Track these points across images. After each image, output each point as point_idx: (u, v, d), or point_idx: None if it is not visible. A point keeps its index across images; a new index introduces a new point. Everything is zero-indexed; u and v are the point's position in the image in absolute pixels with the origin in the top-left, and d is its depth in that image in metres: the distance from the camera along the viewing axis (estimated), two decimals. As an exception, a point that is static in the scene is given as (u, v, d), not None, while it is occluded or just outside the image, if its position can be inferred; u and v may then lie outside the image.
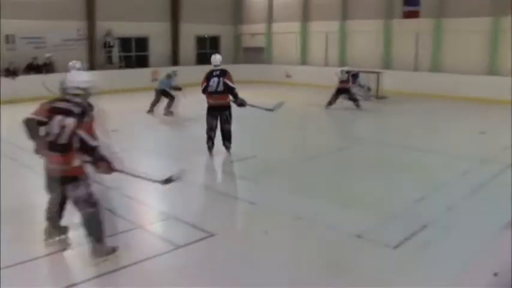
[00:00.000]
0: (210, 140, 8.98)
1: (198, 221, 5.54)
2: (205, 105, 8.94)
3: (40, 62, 17.84)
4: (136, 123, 12.97)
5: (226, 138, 9.02)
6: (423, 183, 7.12)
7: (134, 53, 21.73)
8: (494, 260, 0.84)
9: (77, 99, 4.55)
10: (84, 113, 4.45)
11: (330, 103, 14.90)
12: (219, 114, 8.83)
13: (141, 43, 21.92)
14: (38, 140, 4.51)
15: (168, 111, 13.73)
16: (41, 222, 4.90)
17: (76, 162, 4.45)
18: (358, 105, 14.87)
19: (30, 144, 4.56)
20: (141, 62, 21.75)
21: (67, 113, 4.44)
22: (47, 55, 17.94)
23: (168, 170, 7.98)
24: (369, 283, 4.26)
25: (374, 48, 20.14)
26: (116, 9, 20.06)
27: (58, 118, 4.43)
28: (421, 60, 18.87)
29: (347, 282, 4.26)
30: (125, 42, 21.00)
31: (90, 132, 4.42)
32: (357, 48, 20.82)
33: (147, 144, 10.08)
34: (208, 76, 8.76)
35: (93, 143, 4.42)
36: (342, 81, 14.91)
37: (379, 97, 17.07)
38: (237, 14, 25.21)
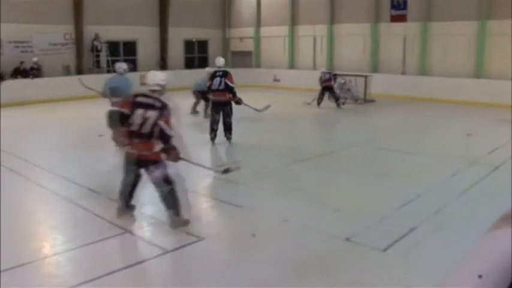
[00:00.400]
0: (213, 131, 10.12)
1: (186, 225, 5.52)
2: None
3: (27, 66, 17.70)
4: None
5: (228, 130, 10.15)
6: (411, 186, 7.14)
7: (122, 57, 21.59)
8: (479, 262, 0.84)
9: (156, 95, 5.37)
10: (164, 107, 5.26)
11: (319, 103, 15.93)
12: (221, 109, 10.00)
13: (129, 47, 21.83)
14: (117, 129, 5.53)
15: (208, 114, 13.27)
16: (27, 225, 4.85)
17: (157, 148, 5.28)
18: (338, 105, 15.92)
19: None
20: (129, 66, 21.64)
21: (149, 106, 5.25)
22: (34, 59, 17.81)
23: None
24: (358, 286, 4.27)
25: (362, 51, 20.25)
26: (104, 14, 19.96)
27: (140, 111, 5.24)
28: (408, 63, 18.99)
29: (336, 285, 4.26)
30: (113, 47, 20.88)
31: (169, 123, 5.21)
32: (345, 52, 20.91)
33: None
34: (213, 76, 10.07)
35: (170, 132, 5.21)
36: (324, 81, 15.90)
37: (367, 100, 17.16)
38: (226, 18, 25.21)
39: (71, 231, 5.59)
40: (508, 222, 0.93)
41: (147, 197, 6.95)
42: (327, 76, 15.94)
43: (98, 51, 20.04)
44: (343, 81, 17.12)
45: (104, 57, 20.24)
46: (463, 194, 6.78)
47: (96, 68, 20.00)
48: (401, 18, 18.91)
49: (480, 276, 0.83)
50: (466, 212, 6.08)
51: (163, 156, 5.33)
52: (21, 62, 17.58)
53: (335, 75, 16.40)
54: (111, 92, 9.53)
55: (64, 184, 7.35)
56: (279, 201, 6.57)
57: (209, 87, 10.09)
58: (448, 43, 17.86)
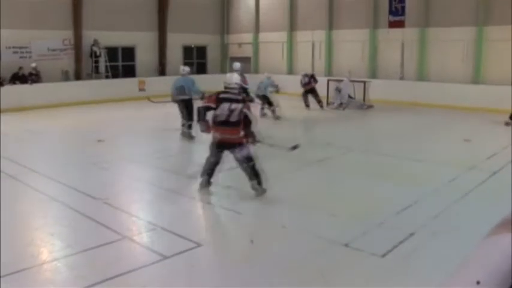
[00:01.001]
0: None
1: (185, 231, 5.51)
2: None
3: (26, 72, 17.70)
4: (123, 132, 12.92)
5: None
6: (410, 191, 7.14)
7: (121, 63, 21.63)
8: (477, 268, 0.84)
9: (235, 91, 6.86)
10: (244, 100, 6.81)
11: (307, 105, 16.69)
12: None
13: (128, 53, 21.84)
14: (205, 121, 6.82)
15: (276, 116, 14.49)
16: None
17: (241, 133, 6.62)
18: (321, 107, 16.67)
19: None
20: (128, 71, 21.65)
21: (233, 100, 6.66)
22: (33, 65, 17.80)
23: (154, 179, 7.98)
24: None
25: (360, 57, 20.30)
26: (103, 19, 19.98)
27: (226, 105, 6.59)
28: (406, 69, 19.03)
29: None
30: (111, 52, 20.87)
31: (250, 111, 6.75)
32: (344, 58, 20.94)
33: (134, 154, 10.02)
34: None
35: (252, 118, 6.68)
36: (305, 84, 16.75)
37: (366, 106, 17.19)
38: (224, 23, 25.25)
39: (70, 237, 5.58)
40: (507, 228, 0.93)
41: (146, 202, 6.96)
42: (306, 80, 16.69)
43: (97, 56, 20.03)
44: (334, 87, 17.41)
45: (102, 62, 20.25)
46: (462, 199, 6.78)
47: (95, 73, 20.00)
48: (400, 24, 18.95)
49: (478, 283, 0.83)
50: (465, 217, 6.08)
51: (245, 139, 6.68)
52: (20, 68, 17.58)
53: (312, 76, 17.02)
54: (178, 91, 11.24)
55: (63, 190, 7.34)
56: (277, 207, 6.56)
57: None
58: (446, 49, 17.92)
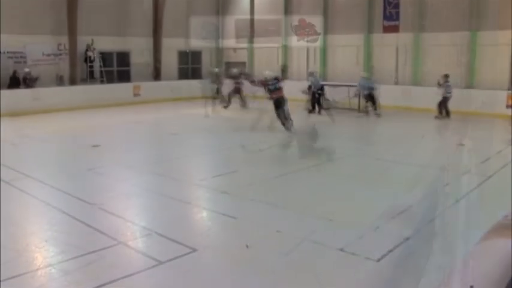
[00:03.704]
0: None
1: (180, 236, 5.51)
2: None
3: (20, 76, 17.65)
4: (119, 137, 12.90)
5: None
6: (405, 195, 7.16)
7: (116, 68, 21.59)
8: (470, 272, 0.85)
9: (272, 79, 13.21)
10: (279, 80, 13.28)
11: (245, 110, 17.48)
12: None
13: (123, 58, 21.81)
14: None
15: (376, 113, 15.97)
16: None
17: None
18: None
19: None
20: (123, 76, 21.61)
21: (272, 83, 13.01)
22: (27, 70, 17.74)
23: (150, 184, 7.98)
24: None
25: (355, 61, 20.36)
26: (98, 24, 19.96)
27: (269, 84, 13.06)
28: (401, 73, 19.10)
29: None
30: (106, 57, 20.83)
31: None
32: (338, 62, 21.01)
33: (129, 159, 10.00)
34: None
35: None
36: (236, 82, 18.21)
37: (361, 111, 17.22)
38: (219, 28, 25.26)
39: (64, 242, 5.55)
40: (499, 233, 0.93)
41: (142, 207, 6.95)
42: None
43: (91, 61, 19.98)
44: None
45: (97, 67, 20.20)
46: (456, 204, 6.79)
47: (90, 78, 19.95)
48: (394, 29, 19.05)
49: (472, 287, 0.84)
50: (460, 222, 6.10)
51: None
52: (14, 71, 17.53)
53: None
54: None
55: (57, 195, 7.32)
56: (272, 212, 6.55)
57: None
58: (439, 53, 18.01)
